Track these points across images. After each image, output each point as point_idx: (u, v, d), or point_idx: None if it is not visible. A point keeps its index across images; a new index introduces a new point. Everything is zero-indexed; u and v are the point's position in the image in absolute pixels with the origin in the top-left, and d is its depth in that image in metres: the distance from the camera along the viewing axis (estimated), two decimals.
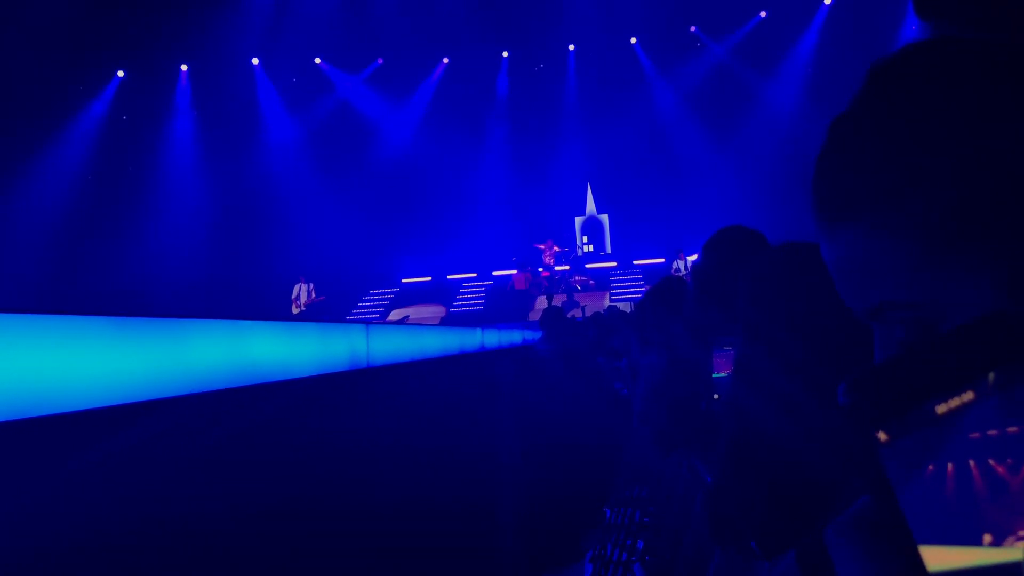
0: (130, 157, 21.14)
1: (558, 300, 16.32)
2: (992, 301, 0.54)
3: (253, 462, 2.06)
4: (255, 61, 22.10)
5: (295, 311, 16.82)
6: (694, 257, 16.83)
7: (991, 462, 0.47)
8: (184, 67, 21.80)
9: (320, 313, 16.42)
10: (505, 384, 5.89)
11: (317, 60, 22.44)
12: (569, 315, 18.89)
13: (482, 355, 5.43)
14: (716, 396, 1.84)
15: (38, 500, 1.41)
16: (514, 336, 6.91)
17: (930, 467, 0.50)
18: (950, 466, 0.48)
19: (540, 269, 19.81)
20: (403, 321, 17.36)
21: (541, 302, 16.73)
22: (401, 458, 3.20)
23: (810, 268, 2.07)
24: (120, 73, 21.10)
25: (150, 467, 1.63)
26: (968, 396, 0.47)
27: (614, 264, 21.63)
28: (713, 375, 1.92)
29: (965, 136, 0.55)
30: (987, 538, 0.46)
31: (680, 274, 17.82)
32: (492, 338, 5.81)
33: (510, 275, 19.79)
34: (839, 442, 1.42)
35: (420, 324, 14.34)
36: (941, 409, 0.48)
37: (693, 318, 2.14)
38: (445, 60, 22.86)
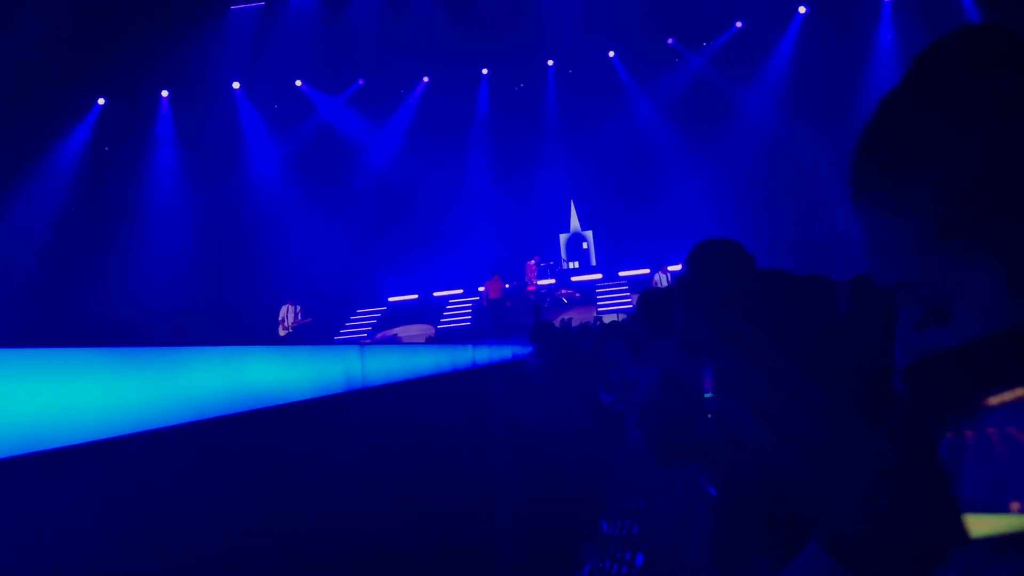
0: (113, 184, 21.08)
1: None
2: (993, 289, 0.55)
3: (253, 486, 2.06)
4: (236, 85, 22.12)
5: (282, 333, 16.76)
6: (677, 267, 16.90)
7: (1011, 430, 0.48)
8: (165, 93, 21.79)
9: (307, 334, 16.38)
10: (496, 400, 5.90)
11: (298, 83, 22.47)
12: (558, 320, 18.85)
13: (473, 372, 5.45)
14: (709, 416, 1.85)
15: (42, 533, 1.42)
16: (504, 352, 6.92)
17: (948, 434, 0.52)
18: (968, 434, 0.50)
19: (528, 286, 19.81)
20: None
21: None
22: (397, 477, 3.21)
23: (792, 286, 2.10)
24: (101, 100, 21.06)
25: (152, 499, 1.63)
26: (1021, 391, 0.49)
27: (599, 276, 21.67)
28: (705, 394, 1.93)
29: (977, 127, 0.57)
30: (1015, 506, 0.47)
31: (662, 285, 17.94)
32: (483, 354, 5.83)
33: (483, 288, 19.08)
34: (826, 453, 1.45)
35: (411, 344, 14.32)
36: (994, 401, 0.49)
37: (683, 334, 2.15)
38: (425, 79, 22.94)
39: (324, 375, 2.74)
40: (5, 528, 1.35)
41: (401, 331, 19.64)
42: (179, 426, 1.76)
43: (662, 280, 17.97)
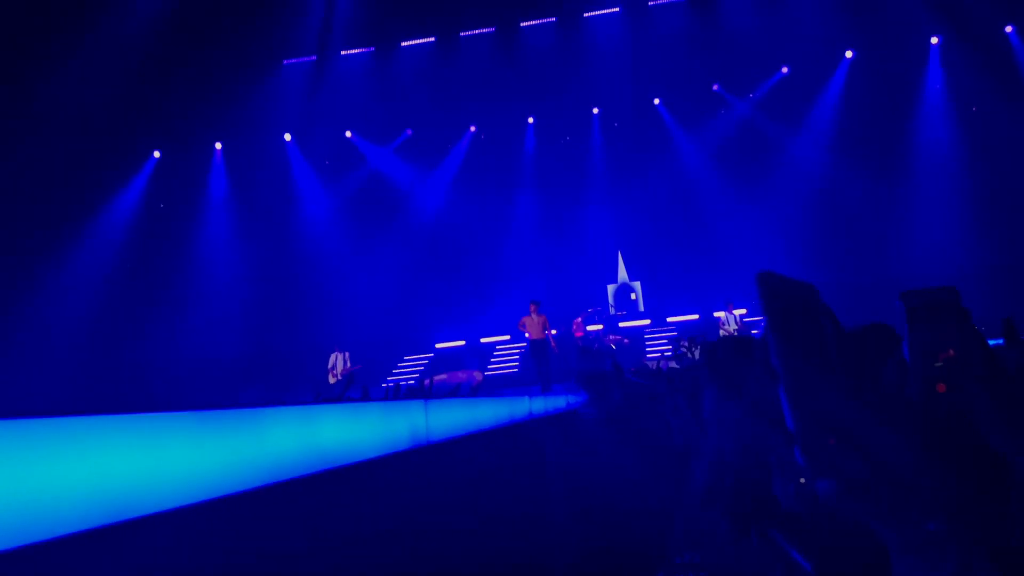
0: (168, 236, 21.62)
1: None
2: None
3: (326, 546, 2.04)
4: (288, 137, 22.64)
5: (331, 380, 16.91)
6: (742, 311, 16.52)
7: None
8: (219, 145, 22.38)
9: (357, 381, 16.46)
10: (550, 451, 5.83)
11: (348, 133, 22.93)
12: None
13: (530, 423, 5.40)
14: (801, 481, 1.77)
15: None
16: (559, 402, 6.87)
17: None
18: None
19: (575, 332, 19.68)
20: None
21: None
22: (459, 530, 3.16)
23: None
24: (157, 153, 21.69)
25: (235, 558, 1.61)
26: None
27: (648, 322, 21.50)
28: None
29: None
30: None
31: (728, 327, 17.67)
32: (539, 405, 5.78)
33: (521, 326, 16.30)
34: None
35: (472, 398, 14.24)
36: None
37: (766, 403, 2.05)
38: (472, 128, 23.24)
39: (390, 432, 2.72)
40: None
41: (448, 378, 19.64)
42: (259, 489, 1.74)
43: (729, 321, 17.70)
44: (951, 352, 1.30)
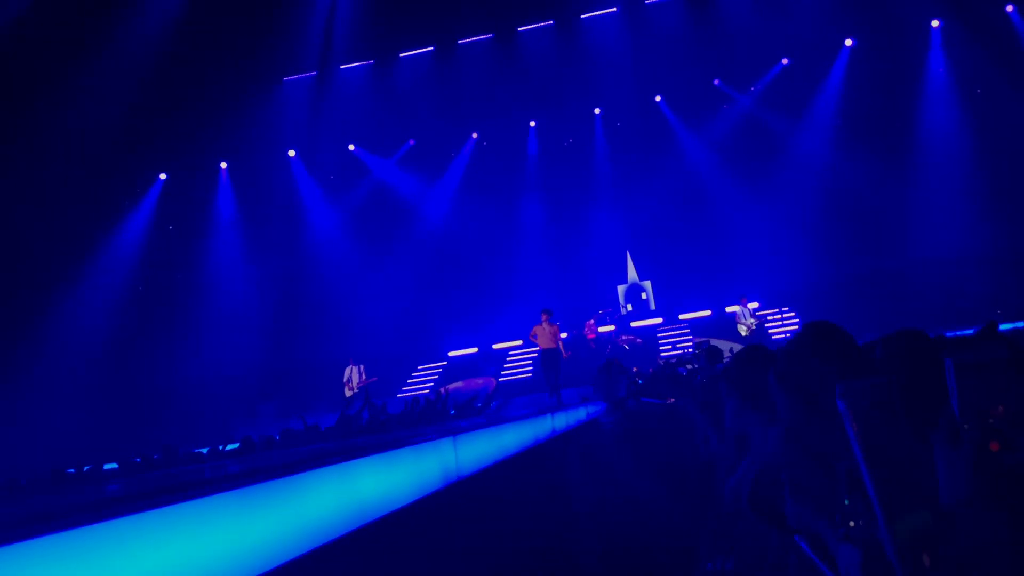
0: (179, 257, 21.72)
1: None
2: None
3: None
4: (292, 153, 22.70)
5: (348, 393, 17.00)
6: (755, 305, 16.48)
7: None
8: (224, 165, 22.46)
9: (373, 393, 16.51)
10: (573, 467, 5.83)
11: (351, 147, 22.97)
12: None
13: (554, 441, 5.40)
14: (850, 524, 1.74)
15: None
16: (579, 413, 6.86)
17: None
18: None
19: (588, 334, 19.67)
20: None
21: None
22: (491, 561, 3.17)
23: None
24: (163, 175, 21.78)
25: None
26: None
27: (660, 320, 21.47)
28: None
29: None
30: None
31: (746, 321, 17.61)
32: (561, 421, 5.79)
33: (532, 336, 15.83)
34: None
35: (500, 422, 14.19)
36: None
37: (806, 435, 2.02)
38: (474, 135, 23.25)
39: (423, 472, 2.73)
40: None
41: (463, 386, 19.65)
42: (301, 557, 1.75)
43: (744, 315, 17.66)
44: (1001, 409, 1.29)
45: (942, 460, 1.43)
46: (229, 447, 10.16)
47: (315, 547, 1.82)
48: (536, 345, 15.22)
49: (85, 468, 9.10)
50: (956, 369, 1.31)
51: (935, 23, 20.48)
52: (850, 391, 1.36)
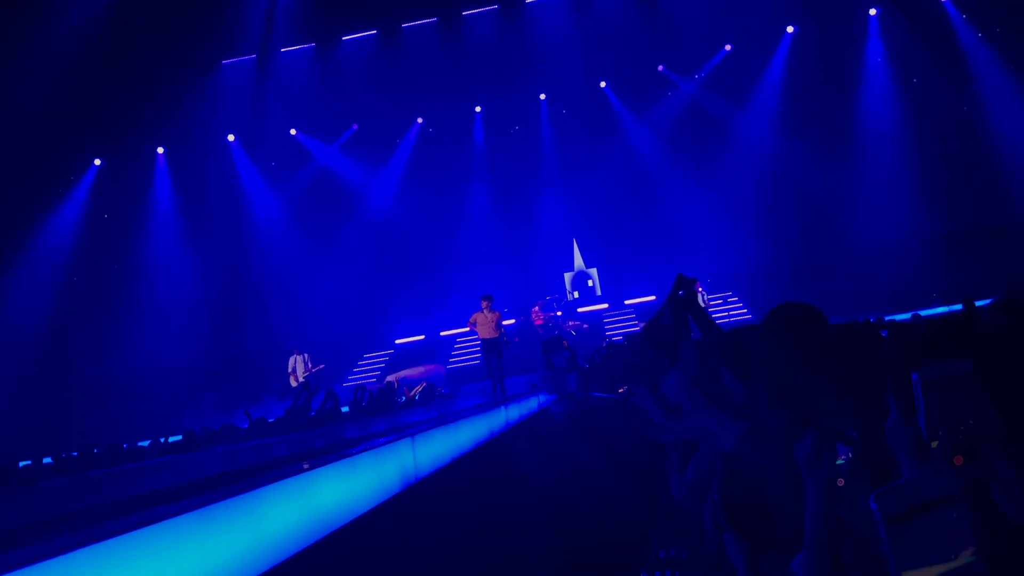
0: (114, 243, 21.07)
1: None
2: None
3: None
4: (231, 138, 22.16)
5: (293, 383, 16.70)
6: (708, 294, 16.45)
7: None
8: (160, 150, 21.84)
9: (320, 381, 16.27)
10: (527, 458, 5.81)
11: (292, 131, 22.52)
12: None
13: (508, 433, 5.37)
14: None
15: None
16: (531, 404, 6.84)
17: None
18: None
19: (535, 320, 19.70)
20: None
21: None
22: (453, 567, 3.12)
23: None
24: (97, 161, 21.09)
25: None
26: None
27: (606, 306, 21.59)
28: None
29: None
30: None
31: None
32: (514, 412, 5.75)
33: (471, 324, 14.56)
34: None
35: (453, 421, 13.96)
36: None
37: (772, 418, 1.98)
38: (419, 120, 22.99)
39: (382, 476, 2.66)
40: None
41: (409, 374, 19.50)
42: None
43: (702, 301, 17.82)
44: (969, 423, 1.30)
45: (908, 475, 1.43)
46: (172, 439, 9.91)
47: (275, 564, 1.74)
48: (475, 334, 14.32)
49: (20, 464, 8.79)
50: (923, 385, 1.31)
51: (872, 11, 20.88)
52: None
